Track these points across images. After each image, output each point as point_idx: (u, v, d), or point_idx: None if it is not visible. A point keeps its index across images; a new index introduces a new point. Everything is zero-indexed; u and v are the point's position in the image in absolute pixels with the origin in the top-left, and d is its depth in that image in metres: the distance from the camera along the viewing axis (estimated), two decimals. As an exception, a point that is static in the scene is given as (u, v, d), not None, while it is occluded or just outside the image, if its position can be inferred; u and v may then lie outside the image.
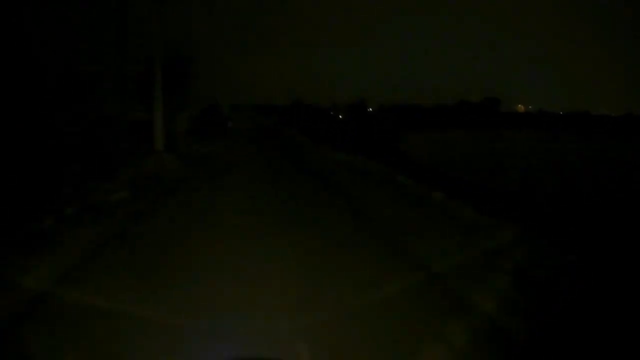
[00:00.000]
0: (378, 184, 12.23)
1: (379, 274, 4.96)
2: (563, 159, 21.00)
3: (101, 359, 3.22)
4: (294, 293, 4.37)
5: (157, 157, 14.61)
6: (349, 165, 16.32)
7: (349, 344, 3.44)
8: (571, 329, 3.70)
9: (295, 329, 3.58)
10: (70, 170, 8.36)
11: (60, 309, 3.98)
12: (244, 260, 5.31)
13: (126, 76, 15.54)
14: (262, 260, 5.32)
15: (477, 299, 4.25)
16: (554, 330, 3.65)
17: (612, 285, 4.56)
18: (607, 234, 7.60)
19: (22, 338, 3.45)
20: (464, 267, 5.19)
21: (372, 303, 4.15)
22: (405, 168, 15.00)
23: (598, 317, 3.88)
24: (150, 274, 4.79)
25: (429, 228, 7.18)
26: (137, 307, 3.92)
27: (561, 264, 5.21)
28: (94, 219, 7.10)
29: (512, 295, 4.37)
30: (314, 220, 7.52)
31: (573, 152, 25.70)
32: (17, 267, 4.87)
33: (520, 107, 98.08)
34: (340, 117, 50.96)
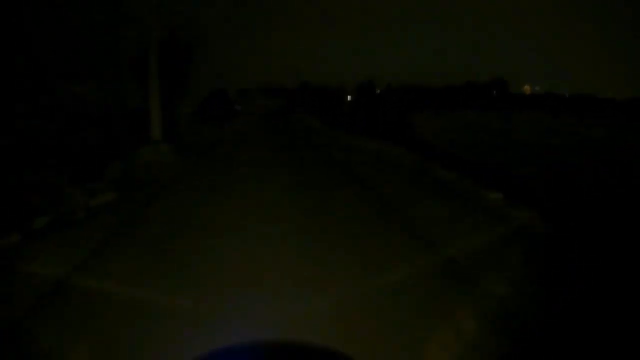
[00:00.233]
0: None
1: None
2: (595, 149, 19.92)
3: None
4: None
5: (152, 148, 13.69)
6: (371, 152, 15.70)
7: None
8: None
9: None
10: (46, 172, 7.43)
11: None
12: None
13: (121, 62, 14.59)
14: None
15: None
16: None
17: None
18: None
19: None
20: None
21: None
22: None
23: None
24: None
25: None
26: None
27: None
28: (62, 235, 6.19)
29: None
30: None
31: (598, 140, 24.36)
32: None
33: (527, 89, 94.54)
34: (349, 98, 49.68)
